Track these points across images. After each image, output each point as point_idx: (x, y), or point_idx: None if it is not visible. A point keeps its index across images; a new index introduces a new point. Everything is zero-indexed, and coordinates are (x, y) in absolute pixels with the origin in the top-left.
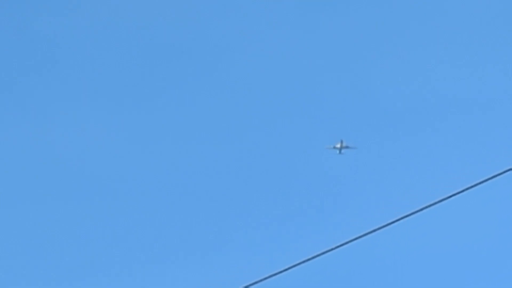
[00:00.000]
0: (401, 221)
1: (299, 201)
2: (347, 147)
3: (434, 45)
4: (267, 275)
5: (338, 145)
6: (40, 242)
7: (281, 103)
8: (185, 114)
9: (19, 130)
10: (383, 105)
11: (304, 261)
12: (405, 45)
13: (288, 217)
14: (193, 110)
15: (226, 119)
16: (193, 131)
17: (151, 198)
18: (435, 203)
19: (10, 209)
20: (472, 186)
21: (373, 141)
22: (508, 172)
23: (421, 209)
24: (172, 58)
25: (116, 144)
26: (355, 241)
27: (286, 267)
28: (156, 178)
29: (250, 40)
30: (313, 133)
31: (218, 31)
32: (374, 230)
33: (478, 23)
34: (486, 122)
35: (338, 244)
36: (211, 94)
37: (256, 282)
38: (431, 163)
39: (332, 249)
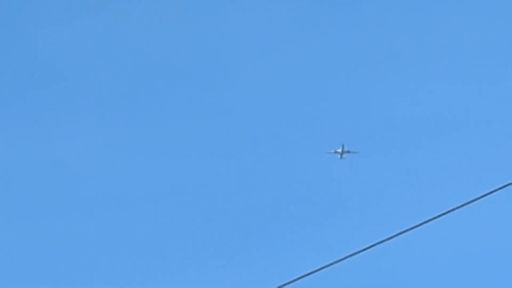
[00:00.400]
0: (402, 230)
1: (302, 208)
2: (348, 151)
3: (439, 60)
4: (298, 276)
5: (339, 150)
6: (40, 250)
7: (282, 108)
8: (187, 121)
9: (21, 140)
10: (386, 115)
11: (331, 264)
12: (410, 56)
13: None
14: (194, 116)
15: (228, 124)
16: (195, 138)
17: (170, 206)
18: (438, 216)
19: (10, 216)
20: (474, 200)
21: (375, 149)
22: (510, 186)
23: (424, 223)
24: (173, 68)
25: (117, 153)
26: (355, 251)
27: (313, 269)
28: (164, 187)
29: (252, 45)
30: (314, 137)
31: (219, 38)
32: (377, 243)
33: (481, 41)
34: (488, 135)
35: (346, 251)
36: (212, 99)
37: (289, 283)
38: (432, 174)
39: (353, 254)
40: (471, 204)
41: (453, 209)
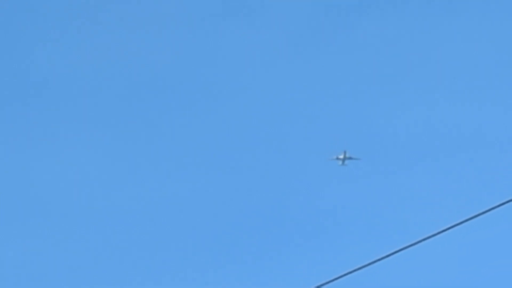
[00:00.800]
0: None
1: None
2: (350, 158)
3: (442, 73)
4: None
5: (341, 156)
6: (35, 267)
7: (285, 115)
8: (187, 130)
9: (15, 153)
10: (389, 123)
11: (367, 265)
12: (413, 67)
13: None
14: (195, 121)
15: (230, 131)
16: (197, 143)
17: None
18: (437, 233)
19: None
20: (474, 217)
21: (377, 156)
22: (509, 203)
23: (425, 239)
24: (172, 81)
25: (114, 166)
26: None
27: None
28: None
29: (254, 53)
30: (316, 144)
31: (220, 50)
32: (379, 260)
33: (485, 56)
34: (491, 152)
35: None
36: (214, 103)
37: (327, 282)
38: (435, 182)
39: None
40: (475, 215)
41: (456, 225)
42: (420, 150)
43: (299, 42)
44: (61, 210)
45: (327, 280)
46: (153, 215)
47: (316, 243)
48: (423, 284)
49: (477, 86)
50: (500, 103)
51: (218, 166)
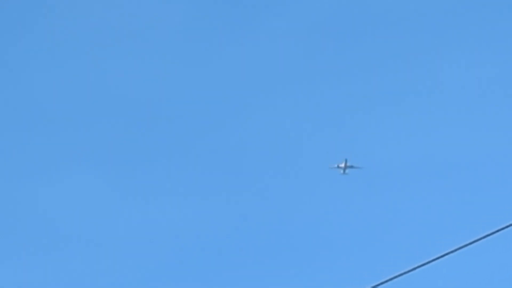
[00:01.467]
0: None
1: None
2: (351, 166)
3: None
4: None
5: (342, 165)
6: None
7: (285, 121)
8: (193, 137)
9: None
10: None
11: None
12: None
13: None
14: (199, 132)
15: (230, 140)
16: (196, 153)
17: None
18: (443, 256)
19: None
20: (473, 241)
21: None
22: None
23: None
24: (169, 111)
25: (113, 202)
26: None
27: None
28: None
29: (253, 62)
30: (317, 152)
31: (221, 64)
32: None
33: (483, 78)
34: (490, 178)
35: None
36: (218, 114)
37: (383, 282)
38: (435, 190)
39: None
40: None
41: (463, 246)
42: (423, 158)
43: (302, 50)
44: (61, 240)
45: None
46: (157, 240)
47: (316, 252)
48: None
49: (480, 105)
50: (502, 127)
51: (220, 173)
